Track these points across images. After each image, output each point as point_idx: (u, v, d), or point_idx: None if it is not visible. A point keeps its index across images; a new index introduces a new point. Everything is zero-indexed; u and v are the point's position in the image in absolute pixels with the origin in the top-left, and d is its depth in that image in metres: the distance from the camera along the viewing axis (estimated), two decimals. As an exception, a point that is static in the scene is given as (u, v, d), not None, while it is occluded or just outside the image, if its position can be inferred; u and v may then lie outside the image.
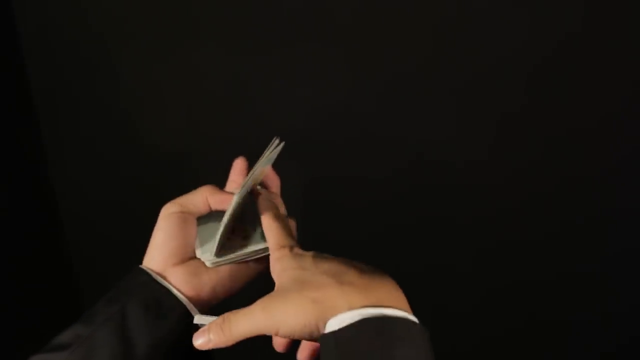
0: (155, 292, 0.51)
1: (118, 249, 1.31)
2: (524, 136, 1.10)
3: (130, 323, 0.49)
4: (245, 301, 0.47)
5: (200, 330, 0.46)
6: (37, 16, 1.16)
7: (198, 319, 0.47)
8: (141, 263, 0.54)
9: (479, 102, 1.09)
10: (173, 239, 0.53)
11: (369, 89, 1.11)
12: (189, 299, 0.52)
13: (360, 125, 1.14)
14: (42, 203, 1.30)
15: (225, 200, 0.53)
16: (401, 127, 1.13)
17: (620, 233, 1.14)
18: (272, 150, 0.53)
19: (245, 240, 0.55)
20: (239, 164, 0.60)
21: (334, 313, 0.42)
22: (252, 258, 0.55)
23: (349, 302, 0.43)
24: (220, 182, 0.58)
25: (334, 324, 0.42)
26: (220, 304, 0.54)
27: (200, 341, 0.46)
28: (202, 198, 0.54)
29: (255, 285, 0.56)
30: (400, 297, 0.45)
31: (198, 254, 0.54)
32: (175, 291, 0.51)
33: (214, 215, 0.56)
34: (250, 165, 0.56)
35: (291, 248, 0.49)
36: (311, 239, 0.58)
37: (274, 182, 0.59)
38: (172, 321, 0.50)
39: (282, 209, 0.58)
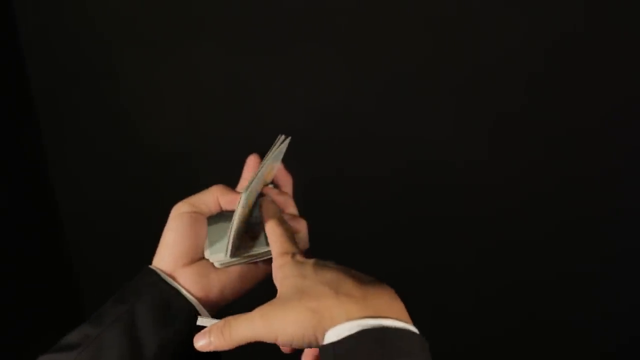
0: (164, 292, 0.51)
1: (118, 249, 1.31)
2: (524, 136, 1.10)
3: (139, 323, 0.49)
4: (253, 302, 0.47)
5: (202, 332, 0.46)
6: (37, 16, 1.16)
7: (201, 320, 0.47)
8: (141, 262, 0.54)
9: (478, 102, 1.09)
10: (184, 239, 0.53)
11: (369, 89, 1.11)
12: (198, 299, 0.52)
13: (359, 125, 1.14)
14: (42, 203, 1.30)
15: (237, 200, 0.52)
16: (401, 127, 1.13)
17: (620, 233, 1.14)
18: (279, 147, 0.53)
19: (255, 241, 0.55)
20: (252, 161, 0.59)
21: (333, 324, 0.42)
22: (262, 259, 0.54)
23: (347, 313, 0.42)
24: (220, 182, 0.57)
25: (332, 335, 0.42)
26: (231, 304, 0.54)
27: (201, 343, 0.46)
28: (213, 198, 0.54)
29: (263, 285, 0.55)
30: (399, 307, 0.45)
31: (207, 254, 0.54)
32: (184, 292, 0.51)
33: (223, 215, 0.55)
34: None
35: (293, 255, 0.49)
36: (311, 238, 0.58)
37: (286, 181, 0.59)
38: (181, 322, 0.50)
39: (294, 209, 0.57)
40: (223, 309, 0.54)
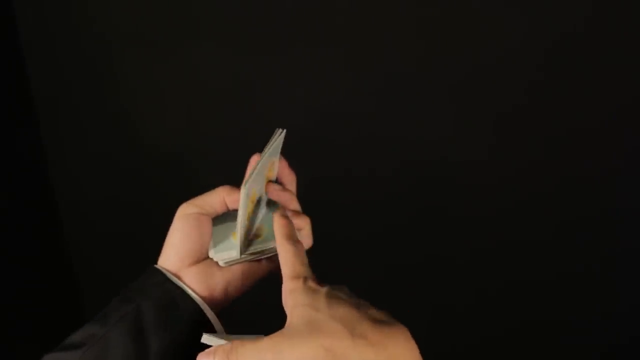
0: (170, 292, 0.51)
1: (118, 249, 1.31)
2: (524, 136, 1.10)
3: (144, 323, 0.49)
4: (252, 302, 0.47)
5: (207, 351, 0.45)
6: (37, 16, 1.16)
7: (207, 338, 0.46)
8: (141, 262, 0.54)
9: (478, 103, 1.09)
10: (189, 239, 0.53)
11: (369, 89, 1.11)
12: (203, 299, 0.52)
13: (359, 125, 1.14)
14: (42, 203, 1.30)
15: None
16: (401, 127, 1.13)
17: (620, 233, 1.14)
18: (276, 140, 0.53)
19: (259, 238, 0.55)
20: (255, 161, 0.59)
21: None
22: (266, 256, 0.54)
23: (361, 356, 0.41)
24: (219, 182, 0.57)
25: None
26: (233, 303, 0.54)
27: None
28: (219, 199, 0.54)
29: (264, 283, 0.55)
30: (413, 352, 0.43)
31: (211, 254, 0.54)
32: (189, 291, 0.51)
33: (227, 215, 0.55)
34: None
35: (305, 280, 0.46)
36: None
37: (290, 179, 0.58)
38: (186, 321, 0.50)
39: (297, 206, 0.57)
40: (227, 308, 0.54)
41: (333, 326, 0.42)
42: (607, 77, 1.03)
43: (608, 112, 1.06)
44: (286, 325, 0.44)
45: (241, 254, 0.53)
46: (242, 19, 1.10)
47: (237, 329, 0.56)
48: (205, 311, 0.51)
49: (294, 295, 0.45)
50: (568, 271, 1.19)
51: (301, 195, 0.58)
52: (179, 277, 0.52)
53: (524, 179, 1.13)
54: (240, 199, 0.50)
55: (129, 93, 1.20)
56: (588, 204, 1.13)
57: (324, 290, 0.45)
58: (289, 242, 0.49)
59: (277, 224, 0.50)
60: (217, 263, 0.54)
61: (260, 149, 0.55)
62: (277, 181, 0.58)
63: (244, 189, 0.50)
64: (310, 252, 0.58)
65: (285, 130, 0.53)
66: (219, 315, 0.53)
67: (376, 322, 0.43)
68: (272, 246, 0.54)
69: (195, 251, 0.53)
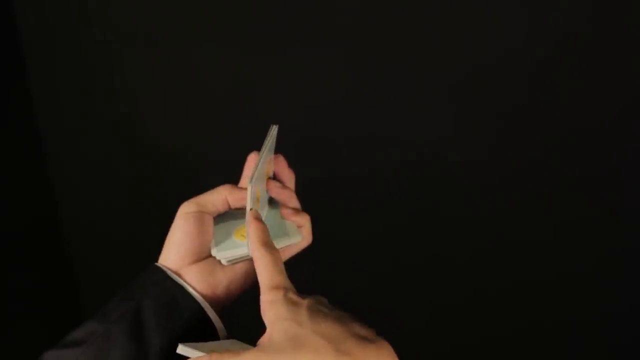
0: (170, 290, 0.51)
1: (118, 249, 1.31)
2: (524, 136, 1.10)
3: (145, 321, 0.49)
4: (252, 300, 0.47)
5: None
6: (37, 16, 1.16)
7: (182, 349, 0.45)
8: (141, 262, 0.54)
9: (478, 102, 1.09)
10: (191, 238, 0.53)
11: (369, 89, 1.11)
12: (204, 297, 0.52)
13: (360, 125, 1.14)
14: (42, 203, 1.30)
15: (245, 197, 0.52)
16: (401, 127, 1.13)
17: (620, 233, 1.14)
18: (271, 136, 0.53)
19: None
20: (252, 159, 0.58)
21: None
22: None
23: None
24: (219, 181, 0.58)
25: None
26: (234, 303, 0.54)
27: None
28: (221, 197, 0.54)
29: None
30: None
31: (214, 252, 0.54)
32: (190, 290, 0.51)
33: (229, 213, 0.56)
34: None
35: (286, 291, 0.45)
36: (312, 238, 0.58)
37: (288, 177, 0.58)
38: (186, 320, 0.50)
39: (297, 203, 0.57)
40: (228, 306, 0.54)
41: (317, 342, 0.42)
42: (607, 77, 1.03)
43: (608, 112, 1.06)
44: (267, 339, 0.43)
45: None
46: (242, 19, 1.10)
47: (236, 328, 0.56)
48: (206, 310, 0.51)
49: (275, 308, 0.44)
50: (568, 271, 1.19)
51: (301, 195, 0.58)
52: (179, 276, 0.52)
53: (524, 179, 1.13)
54: (247, 196, 0.50)
55: (129, 93, 1.21)
56: (588, 204, 1.13)
57: (305, 303, 0.45)
58: (265, 249, 0.48)
59: (252, 227, 0.49)
60: (218, 262, 0.54)
61: (260, 148, 0.55)
62: (275, 178, 0.58)
63: (250, 186, 0.49)
64: (310, 252, 0.58)
65: (277, 126, 0.53)
66: (220, 313, 0.53)
67: (360, 338, 0.43)
68: (278, 246, 0.54)
69: (196, 250, 0.53)
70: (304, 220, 0.56)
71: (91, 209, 1.32)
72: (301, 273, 0.62)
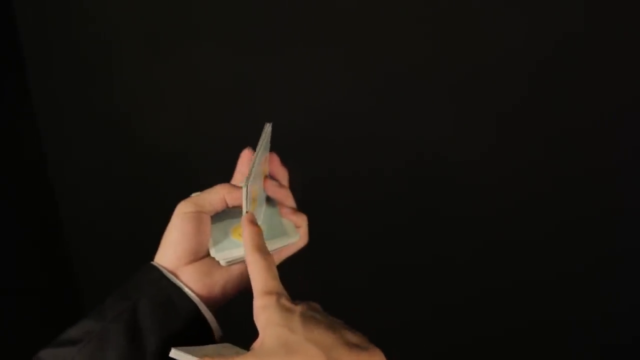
0: (166, 290, 0.51)
1: (118, 249, 1.31)
2: (524, 136, 1.10)
3: (140, 320, 0.49)
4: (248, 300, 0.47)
5: None
6: (37, 16, 1.16)
7: (174, 353, 0.45)
8: (141, 262, 0.54)
9: (478, 102, 1.09)
10: (188, 238, 0.52)
11: (369, 89, 1.11)
12: (200, 297, 0.52)
13: (360, 125, 1.14)
14: (42, 203, 1.30)
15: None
16: (401, 127, 1.13)
17: (620, 233, 1.14)
18: (266, 135, 0.53)
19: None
20: (246, 155, 0.59)
21: None
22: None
23: None
24: (219, 181, 0.58)
25: None
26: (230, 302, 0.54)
27: None
28: (219, 197, 0.54)
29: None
30: None
31: (212, 252, 0.53)
32: (186, 290, 0.51)
33: (227, 212, 0.55)
34: None
35: (278, 296, 0.45)
36: (311, 239, 0.58)
37: (282, 175, 0.58)
38: (182, 320, 0.50)
39: (292, 201, 0.57)
40: (224, 306, 0.54)
41: (309, 349, 0.42)
42: (607, 77, 1.03)
43: (608, 112, 1.06)
44: (259, 344, 0.44)
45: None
46: (242, 19, 1.10)
47: (233, 328, 0.56)
48: (202, 310, 0.51)
49: (267, 313, 0.44)
50: (568, 271, 1.19)
51: (301, 195, 0.58)
52: (175, 275, 0.52)
53: (524, 179, 1.13)
54: (243, 197, 0.50)
55: (129, 93, 1.20)
56: (588, 204, 1.13)
57: (298, 309, 0.45)
58: (259, 254, 0.48)
59: (246, 231, 0.49)
60: (216, 262, 0.54)
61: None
62: (270, 176, 0.58)
63: (245, 187, 0.50)
64: (310, 252, 0.58)
65: (271, 124, 0.53)
66: (215, 313, 0.53)
67: (352, 346, 0.43)
68: (276, 246, 0.54)
69: (193, 250, 0.53)
70: (301, 220, 0.56)
71: (91, 209, 1.32)
72: (301, 273, 0.62)
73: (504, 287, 1.22)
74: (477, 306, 1.25)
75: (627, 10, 0.98)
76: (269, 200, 0.58)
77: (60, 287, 1.35)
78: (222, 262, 0.53)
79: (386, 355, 0.44)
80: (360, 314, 1.23)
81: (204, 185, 0.57)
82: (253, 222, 0.50)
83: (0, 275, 1.16)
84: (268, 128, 0.55)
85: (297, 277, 0.54)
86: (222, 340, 0.53)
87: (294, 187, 0.59)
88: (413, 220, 1.20)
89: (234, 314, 0.57)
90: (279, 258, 0.56)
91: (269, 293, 0.46)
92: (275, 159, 0.58)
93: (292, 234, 0.56)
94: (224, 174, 0.61)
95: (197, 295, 0.51)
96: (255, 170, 0.52)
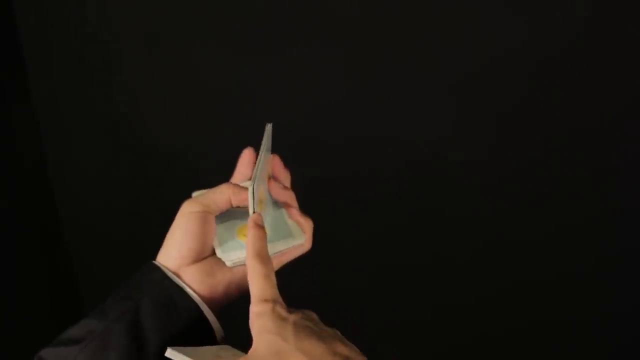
0: (169, 290, 0.51)
1: (118, 249, 1.31)
2: (524, 136, 1.10)
3: (143, 321, 0.49)
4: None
5: None
6: (37, 16, 1.16)
7: (170, 353, 0.45)
8: (141, 262, 0.54)
9: (478, 102, 1.09)
10: (193, 237, 0.52)
11: (369, 89, 1.11)
12: (203, 298, 0.51)
13: (360, 125, 1.14)
14: (42, 204, 1.30)
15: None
16: (401, 127, 1.13)
17: (620, 233, 1.14)
18: (267, 135, 0.53)
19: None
20: (247, 155, 0.58)
21: None
22: (272, 255, 0.54)
23: None
24: (219, 181, 0.58)
25: None
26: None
27: None
28: (224, 197, 0.53)
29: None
30: None
31: (218, 253, 0.53)
32: (189, 291, 0.51)
33: (232, 212, 0.55)
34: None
35: (274, 304, 0.46)
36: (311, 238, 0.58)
37: (285, 177, 0.58)
38: (184, 320, 0.50)
39: (295, 203, 0.57)
40: (225, 307, 0.54)
41: (299, 358, 0.42)
42: (607, 78, 1.03)
43: (608, 112, 1.06)
44: (252, 350, 0.44)
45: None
46: (242, 19, 1.10)
47: (235, 329, 0.56)
48: (204, 311, 0.51)
49: (262, 320, 0.45)
50: (568, 271, 1.19)
51: (301, 195, 0.58)
52: (178, 276, 0.52)
53: (524, 179, 1.13)
54: (249, 199, 0.50)
55: (129, 93, 1.20)
56: (588, 204, 1.13)
57: (292, 318, 0.45)
58: (259, 260, 0.48)
59: (250, 235, 0.49)
60: (219, 262, 0.53)
61: (259, 148, 0.55)
62: (273, 178, 0.58)
63: (252, 188, 0.49)
64: (310, 252, 0.58)
65: (271, 124, 0.53)
66: (217, 314, 0.53)
67: (343, 358, 0.43)
68: (280, 248, 0.54)
69: (197, 250, 0.52)
70: (308, 226, 0.56)
71: (91, 209, 1.32)
72: (301, 273, 0.62)
73: (504, 287, 1.22)
74: (477, 306, 1.25)
75: (627, 10, 0.98)
76: (274, 202, 0.58)
77: (60, 287, 1.35)
78: (228, 263, 0.53)
79: (386, 355, 0.44)
80: (360, 314, 1.23)
81: (204, 185, 0.57)
82: (259, 224, 0.50)
83: (0, 275, 1.16)
84: (269, 128, 0.55)
85: (297, 278, 0.54)
86: (224, 340, 0.53)
87: (294, 187, 0.59)
88: (413, 220, 1.19)
89: (235, 315, 0.57)
90: (280, 261, 0.56)
91: (265, 300, 0.46)
92: (278, 161, 0.58)
93: (298, 236, 0.55)
94: (224, 174, 0.61)
95: (200, 295, 0.51)
96: (260, 171, 0.52)
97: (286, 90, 1.13)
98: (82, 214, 1.33)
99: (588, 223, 1.14)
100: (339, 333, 0.46)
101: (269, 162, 0.57)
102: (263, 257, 0.48)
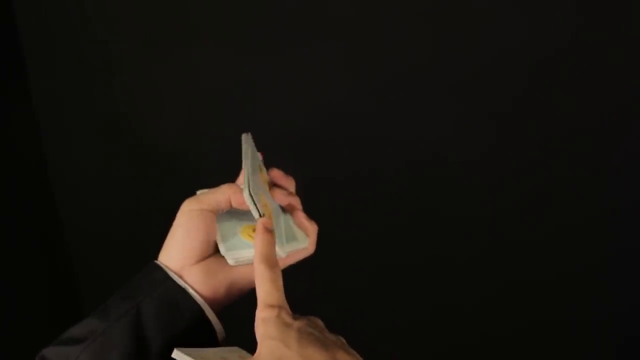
0: (170, 290, 0.50)
1: (118, 249, 1.31)
2: (524, 136, 1.10)
3: (145, 321, 0.48)
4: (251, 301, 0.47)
5: None
6: (37, 16, 1.16)
7: (176, 354, 0.45)
8: (141, 263, 0.54)
9: (478, 102, 1.09)
10: (194, 236, 0.52)
11: (369, 89, 1.11)
12: (205, 299, 0.51)
13: (360, 125, 1.14)
14: (42, 203, 1.30)
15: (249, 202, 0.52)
16: (401, 127, 1.13)
17: (620, 233, 1.14)
18: (248, 145, 0.53)
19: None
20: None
21: None
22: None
23: None
24: (220, 181, 0.57)
25: None
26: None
27: None
28: (225, 197, 0.53)
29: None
30: None
31: (222, 251, 0.53)
32: (191, 291, 0.51)
33: (232, 212, 0.55)
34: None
35: (280, 310, 0.46)
36: (311, 238, 0.58)
37: (289, 184, 0.58)
38: (186, 321, 0.50)
39: (300, 206, 0.57)
40: (227, 308, 0.54)
41: None
42: (607, 78, 1.03)
43: (608, 112, 1.06)
44: (255, 355, 0.44)
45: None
46: (242, 19, 1.10)
47: (238, 328, 0.56)
48: (207, 312, 0.51)
49: (266, 326, 0.45)
50: (568, 271, 1.19)
51: (301, 195, 0.58)
52: (180, 276, 0.51)
53: (524, 179, 1.13)
54: (250, 207, 0.49)
55: (129, 93, 1.20)
56: (587, 204, 1.13)
57: (296, 325, 0.45)
58: (267, 265, 0.48)
59: (258, 239, 0.49)
60: (221, 263, 0.53)
61: (260, 149, 0.55)
62: (276, 185, 0.58)
63: (250, 197, 0.49)
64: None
65: (249, 133, 0.53)
66: (219, 314, 0.52)
67: None
68: (285, 250, 0.54)
69: (198, 248, 0.52)
70: (313, 229, 0.56)
71: (91, 209, 1.32)
72: (301, 273, 0.62)
73: (504, 287, 1.22)
74: (477, 306, 1.25)
75: (626, 10, 0.98)
76: (279, 207, 0.58)
77: (60, 287, 1.35)
78: (231, 262, 0.53)
79: (386, 355, 0.44)
80: (360, 314, 1.23)
81: (204, 185, 0.57)
82: (268, 229, 0.50)
83: (0, 276, 1.16)
84: (247, 138, 0.55)
85: (298, 278, 0.54)
86: (225, 341, 0.53)
87: (295, 187, 0.59)
88: (413, 220, 1.19)
89: (236, 315, 0.57)
90: (283, 264, 0.56)
91: (270, 306, 0.46)
92: (278, 172, 0.58)
93: (302, 239, 0.55)
94: (224, 174, 0.61)
95: (202, 296, 0.51)
96: (254, 181, 0.51)
97: (286, 90, 1.13)
98: (82, 214, 1.33)
99: (588, 223, 1.14)
100: (343, 341, 0.46)
101: (262, 168, 0.57)
102: (271, 262, 0.48)
